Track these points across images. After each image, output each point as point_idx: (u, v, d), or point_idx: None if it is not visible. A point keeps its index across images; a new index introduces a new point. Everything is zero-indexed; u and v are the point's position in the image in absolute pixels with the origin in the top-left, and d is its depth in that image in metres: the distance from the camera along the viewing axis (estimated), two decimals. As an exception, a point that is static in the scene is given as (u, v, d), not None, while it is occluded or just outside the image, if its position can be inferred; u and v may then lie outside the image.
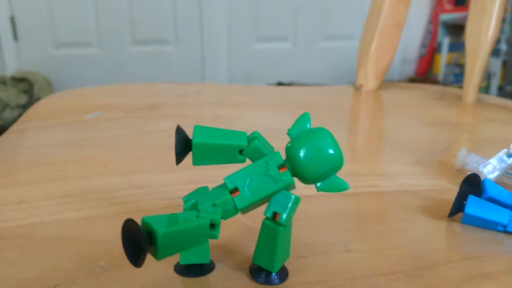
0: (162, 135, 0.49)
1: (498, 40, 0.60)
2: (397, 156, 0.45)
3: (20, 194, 0.35)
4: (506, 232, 0.30)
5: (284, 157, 0.24)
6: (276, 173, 0.23)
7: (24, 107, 1.87)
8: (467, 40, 0.63)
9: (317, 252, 0.27)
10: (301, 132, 0.24)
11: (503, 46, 2.10)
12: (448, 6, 2.38)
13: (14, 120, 1.82)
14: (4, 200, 0.34)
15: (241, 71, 2.30)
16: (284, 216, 0.23)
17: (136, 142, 0.48)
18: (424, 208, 0.33)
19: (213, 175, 0.36)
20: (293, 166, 0.23)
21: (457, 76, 2.36)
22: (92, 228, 0.30)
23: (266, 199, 0.23)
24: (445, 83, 2.34)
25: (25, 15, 2.02)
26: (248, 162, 0.24)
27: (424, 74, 2.48)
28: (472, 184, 0.32)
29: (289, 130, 0.24)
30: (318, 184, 0.23)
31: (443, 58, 2.39)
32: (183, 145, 0.23)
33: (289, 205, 0.23)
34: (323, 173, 0.23)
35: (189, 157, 0.25)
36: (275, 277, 0.24)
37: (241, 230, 0.29)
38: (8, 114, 1.84)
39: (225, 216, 0.23)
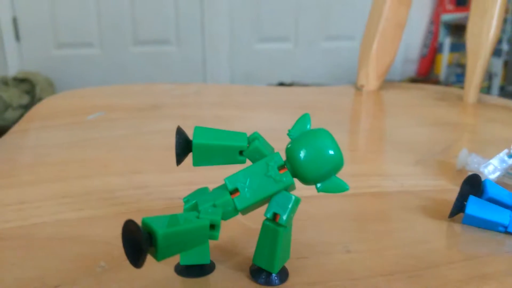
0: (163, 136, 0.49)
1: (499, 40, 0.60)
2: (397, 157, 0.45)
3: (21, 194, 0.35)
4: (506, 232, 0.30)
5: (284, 158, 0.24)
6: (276, 174, 0.23)
7: (26, 108, 1.87)
8: (468, 40, 0.63)
9: (317, 252, 0.27)
10: (301, 133, 0.24)
11: (505, 46, 2.10)
12: (449, 6, 2.38)
13: (16, 121, 1.82)
14: (5, 201, 0.34)
15: (242, 71, 2.30)
16: (284, 217, 0.23)
17: (137, 142, 0.48)
18: (424, 209, 0.33)
19: (213, 176, 0.36)
20: (293, 167, 0.23)
21: (458, 76, 2.36)
22: (93, 229, 0.30)
23: (266, 200, 0.23)
24: (446, 83, 2.34)
25: (27, 16, 2.02)
26: (248, 163, 0.24)
27: (425, 74, 2.48)
28: (473, 185, 0.32)
29: (289, 131, 0.24)
30: (318, 185, 0.23)
31: (445, 58, 2.38)
32: (184, 146, 0.23)
33: (289, 206, 0.23)
34: (323, 174, 0.23)
35: (189, 158, 0.25)
36: (275, 277, 0.24)
37: (241, 230, 0.29)
38: (10, 114, 1.85)
39: (225, 217, 0.23)
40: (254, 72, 2.31)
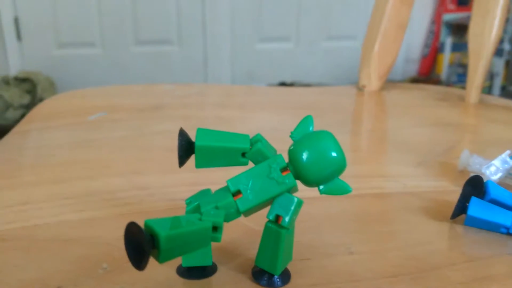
0: (165, 136, 0.49)
1: (501, 40, 0.60)
2: (399, 157, 0.45)
3: (23, 195, 0.35)
4: (509, 234, 0.30)
5: (287, 159, 0.24)
6: (278, 176, 0.23)
7: (27, 107, 1.87)
8: (470, 40, 0.63)
9: (319, 254, 0.27)
10: (304, 135, 0.24)
11: (506, 46, 2.09)
12: (451, 6, 2.37)
13: (17, 120, 1.82)
14: (8, 202, 0.34)
15: (243, 71, 2.30)
16: (287, 219, 0.23)
17: (138, 143, 0.48)
18: (426, 210, 0.33)
19: (215, 177, 0.36)
20: (296, 169, 0.23)
21: (460, 76, 2.36)
22: (94, 230, 0.30)
23: (269, 201, 0.23)
24: (448, 83, 2.34)
25: (29, 16, 2.02)
26: (251, 164, 0.24)
27: (426, 74, 2.48)
28: (475, 186, 0.31)
29: (292, 132, 0.24)
30: (321, 187, 0.23)
31: (446, 58, 2.38)
32: (186, 148, 0.23)
33: (292, 208, 0.23)
34: (326, 176, 0.23)
35: (191, 159, 0.25)
36: (278, 279, 0.24)
37: (243, 232, 0.29)
38: (11, 114, 1.85)
39: (228, 218, 0.23)
40: (255, 71, 2.31)
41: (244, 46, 2.28)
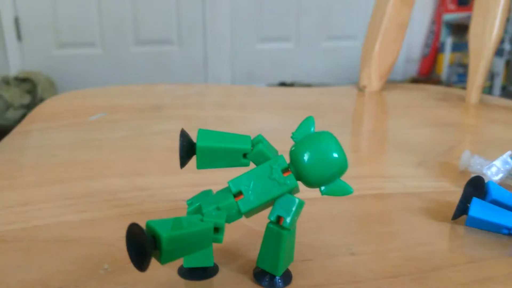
0: (165, 137, 0.49)
1: (501, 39, 0.60)
2: (400, 158, 0.45)
3: (24, 196, 0.35)
4: (510, 235, 0.30)
5: (288, 160, 0.24)
6: (280, 177, 0.23)
7: (27, 107, 1.87)
8: (470, 40, 0.63)
9: (321, 255, 0.27)
10: (305, 136, 0.24)
11: (507, 46, 2.09)
12: (451, 6, 2.37)
13: (17, 120, 1.82)
14: (8, 202, 0.34)
15: (244, 71, 2.30)
16: (288, 220, 0.22)
17: (139, 143, 0.48)
18: (427, 211, 0.33)
19: (217, 178, 0.36)
20: (297, 170, 0.23)
21: (460, 76, 2.36)
22: (95, 231, 0.30)
23: (270, 202, 0.23)
24: (448, 83, 2.34)
25: (29, 16, 2.02)
26: (252, 165, 0.24)
27: (427, 74, 2.48)
28: (476, 187, 0.31)
29: (293, 133, 0.24)
30: (322, 188, 0.23)
31: (446, 58, 2.38)
32: (187, 149, 0.23)
33: (293, 209, 0.23)
34: (328, 177, 0.23)
35: (192, 160, 0.25)
36: (279, 280, 0.24)
37: (245, 233, 0.29)
38: (11, 114, 1.85)
39: (229, 219, 0.23)
40: (256, 71, 2.31)
41: (244, 46, 2.28)
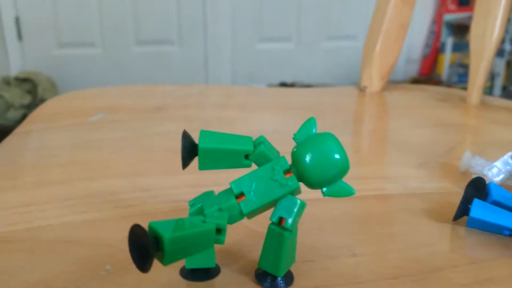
0: (166, 137, 0.49)
1: (502, 40, 0.60)
2: (401, 158, 0.45)
3: (26, 196, 0.35)
4: None
5: (290, 161, 0.24)
6: (282, 178, 0.23)
7: (28, 107, 1.88)
8: (471, 41, 0.63)
9: (322, 256, 0.27)
10: (307, 137, 0.24)
11: (507, 46, 2.09)
12: (451, 6, 2.38)
13: (18, 120, 1.83)
14: (11, 203, 0.34)
15: (244, 71, 2.30)
16: (290, 221, 0.23)
17: (140, 144, 0.48)
18: (428, 211, 0.33)
19: (218, 179, 0.36)
20: (299, 171, 0.23)
21: (460, 76, 2.36)
22: (97, 231, 0.30)
23: (272, 204, 0.23)
24: (448, 83, 2.34)
25: (30, 16, 2.02)
26: (254, 167, 0.24)
27: (427, 74, 2.48)
28: (477, 188, 0.31)
29: (295, 135, 0.24)
30: (324, 189, 0.23)
31: (447, 58, 2.38)
32: (190, 150, 0.23)
33: (295, 210, 0.23)
34: (329, 178, 0.23)
35: (194, 161, 0.25)
36: (281, 281, 0.24)
37: (246, 234, 0.29)
38: (11, 114, 1.85)
39: (231, 221, 0.23)
40: (256, 72, 2.31)
41: (244, 46, 2.28)
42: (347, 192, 0.23)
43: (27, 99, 1.88)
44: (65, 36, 2.08)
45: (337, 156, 0.23)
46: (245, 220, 0.24)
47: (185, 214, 0.25)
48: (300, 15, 2.29)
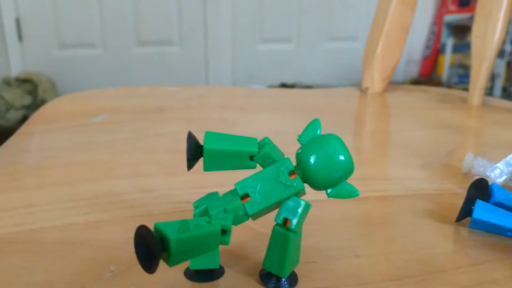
0: (169, 138, 0.49)
1: (503, 41, 0.60)
2: (403, 160, 0.45)
3: (29, 198, 0.35)
4: (514, 237, 0.30)
5: (294, 163, 0.24)
6: (286, 179, 0.23)
7: (28, 108, 1.88)
8: (473, 42, 0.63)
9: (326, 257, 0.27)
10: (311, 139, 0.24)
11: (508, 47, 2.10)
12: (452, 7, 2.38)
13: (18, 121, 1.83)
14: (13, 204, 0.34)
15: (245, 72, 2.31)
16: (295, 222, 0.23)
17: (143, 145, 0.48)
18: (431, 213, 0.33)
19: (221, 179, 0.36)
20: (304, 173, 0.23)
21: (461, 77, 2.36)
22: (101, 233, 0.30)
23: (277, 205, 0.23)
24: (449, 84, 2.34)
25: (30, 17, 2.02)
26: (259, 168, 0.24)
27: (428, 75, 2.48)
28: (480, 189, 0.32)
29: (299, 136, 0.24)
30: (329, 190, 0.23)
31: (447, 59, 2.38)
32: (195, 151, 0.24)
33: (300, 211, 0.23)
34: (334, 179, 0.23)
35: (198, 162, 0.25)
36: (285, 282, 0.24)
37: (250, 235, 0.29)
38: (12, 115, 1.85)
39: (236, 222, 0.23)
40: (257, 73, 2.31)
41: (245, 47, 2.28)
42: (351, 193, 0.23)
43: (27, 100, 1.88)
44: (65, 37, 2.08)
45: (341, 157, 0.23)
46: (249, 221, 0.24)
47: (188, 215, 0.25)
48: (300, 16, 2.30)
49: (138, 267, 0.20)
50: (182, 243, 0.19)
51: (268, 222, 0.25)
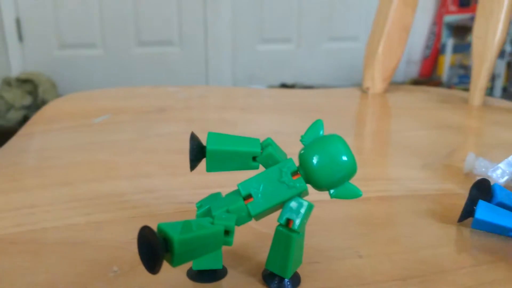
0: (170, 139, 0.49)
1: (504, 41, 0.60)
2: (404, 160, 0.45)
3: (30, 198, 0.35)
4: (516, 237, 0.30)
5: (297, 163, 0.24)
6: (289, 180, 0.23)
7: (29, 108, 1.88)
8: (473, 42, 0.63)
9: (329, 257, 0.27)
10: (314, 139, 0.24)
11: (508, 47, 2.10)
12: (452, 8, 2.38)
13: (19, 121, 1.83)
14: (15, 205, 0.34)
15: (245, 73, 2.31)
16: (298, 222, 0.23)
17: (144, 145, 0.48)
18: (433, 213, 0.33)
19: (222, 180, 0.36)
20: (307, 173, 0.23)
21: (461, 77, 2.36)
22: (103, 233, 0.30)
23: (280, 205, 0.23)
24: (449, 85, 2.34)
25: (30, 17, 2.02)
26: (261, 168, 0.24)
27: (428, 76, 2.48)
28: (482, 189, 0.31)
29: (302, 137, 0.24)
30: (332, 191, 0.23)
31: (447, 59, 2.38)
32: (197, 152, 0.24)
33: (303, 212, 0.23)
34: (337, 180, 0.23)
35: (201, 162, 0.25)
36: (288, 283, 0.24)
37: (253, 235, 0.29)
38: (12, 115, 1.85)
39: (239, 222, 0.23)
40: (257, 73, 2.31)
41: (245, 47, 2.28)
42: (354, 194, 0.23)
43: (28, 100, 1.88)
44: (66, 37, 2.08)
45: (344, 158, 0.23)
46: (252, 222, 0.24)
47: (190, 216, 0.25)
48: (300, 16, 2.30)
49: (141, 268, 0.20)
50: (185, 243, 0.19)
51: (271, 222, 0.25)
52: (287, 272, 0.24)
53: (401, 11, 0.68)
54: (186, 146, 0.24)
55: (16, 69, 2.05)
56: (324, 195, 0.24)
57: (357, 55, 2.11)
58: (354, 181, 0.24)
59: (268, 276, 0.24)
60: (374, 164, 0.44)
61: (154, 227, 0.20)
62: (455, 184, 0.39)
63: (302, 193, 0.23)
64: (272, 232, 0.24)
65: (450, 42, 2.37)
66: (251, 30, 2.26)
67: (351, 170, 0.23)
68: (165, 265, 0.20)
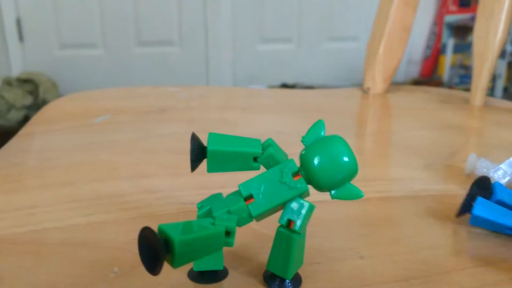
0: (171, 139, 0.49)
1: (505, 41, 0.60)
2: (405, 160, 0.45)
3: (31, 198, 0.35)
4: (517, 237, 0.30)
5: (298, 164, 0.24)
6: (290, 181, 0.23)
7: (29, 108, 1.88)
8: (474, 42, 0.63)
9: (330, 258, 0.27)
10: (315, 140, 0.24)
11: (509, 47, 2.10)
12: (452, 8, 2.38)
13: (19, 121, 1.83)
14: (15, 205, 0.34)
15: (245, 73, 2.31)
16: (299, 223, 0.23)
17: (145, 146, 0.48)
18: (434, 213, 0.33)
19: (223, 180, 0.36)
20: (308, 174, 0.23)
21: (462, 77, 2.36)
22: (104, 234, 0.30)
23: (281, 206, 0.23)
24: (449, 85, 2.34)
25: (31, 17, 2.02)
26: (263, 169, 0.24)
27: (428, 76, 2.48)
28: (482, 186, 0.31)
29: (303, 137, 0.24)
30: (333, 192, 0.23)
31: (448, 59, 2.38)
32: (198, 153, 0.23)
33: (304, 213, 0.23)
34: (338, 181, 0.23)
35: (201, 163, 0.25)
36: (289, 284, 0.24)
37: (253, 236, 0.29)
38: (13, 115, 1.85)
39: (240, 223, 0.23)
40: (257, 73, 2.31)
41: (245, 47, 2.28)
42: (355, 195, 0.23)
43: (28, 100, 1.88)
44: (66, 37, 2.08)
45: (346, 158, 0.23)
46: (253, 223, 0.24)
47: (191, 216, 0.25)
48: (300, 16, 2.30)
49: (142, 268, 0.19)
50: (186, 244, 0.19)
51: (272, 223, 0.25)
52: (288, 273, 0.24)
53: (402, 11, 0.68)
54: (187, 146, 0.24)
55: (16, 69, 2.05)
56: (325, 196, 0.24)
57: (357, 55, 2.11)
58: (355, 181, 0.24)
59: (269, 277, 0.24)
60: (375, 165, 0.44)
61: (155, 227, 0.20)
62: (457, 184, 0.39)
63: (303, 194, 0.23)
64: (273, 233, 0.24)
65: (450, 42, 2.37)
66: (251, 30, 2.26)
67: (352, 171, 0.23)
68: (166, 266, 0.20)
